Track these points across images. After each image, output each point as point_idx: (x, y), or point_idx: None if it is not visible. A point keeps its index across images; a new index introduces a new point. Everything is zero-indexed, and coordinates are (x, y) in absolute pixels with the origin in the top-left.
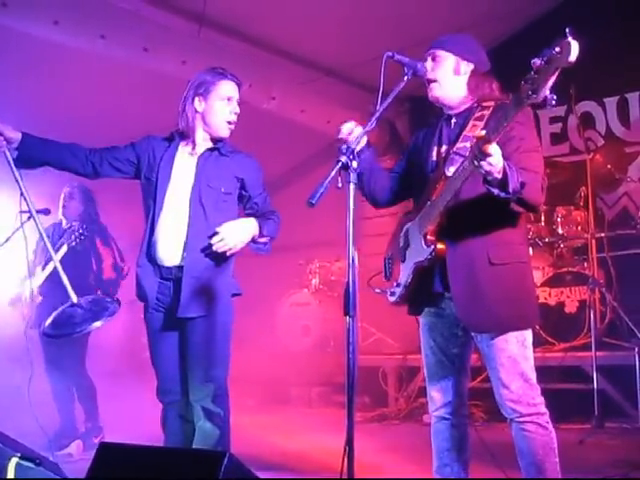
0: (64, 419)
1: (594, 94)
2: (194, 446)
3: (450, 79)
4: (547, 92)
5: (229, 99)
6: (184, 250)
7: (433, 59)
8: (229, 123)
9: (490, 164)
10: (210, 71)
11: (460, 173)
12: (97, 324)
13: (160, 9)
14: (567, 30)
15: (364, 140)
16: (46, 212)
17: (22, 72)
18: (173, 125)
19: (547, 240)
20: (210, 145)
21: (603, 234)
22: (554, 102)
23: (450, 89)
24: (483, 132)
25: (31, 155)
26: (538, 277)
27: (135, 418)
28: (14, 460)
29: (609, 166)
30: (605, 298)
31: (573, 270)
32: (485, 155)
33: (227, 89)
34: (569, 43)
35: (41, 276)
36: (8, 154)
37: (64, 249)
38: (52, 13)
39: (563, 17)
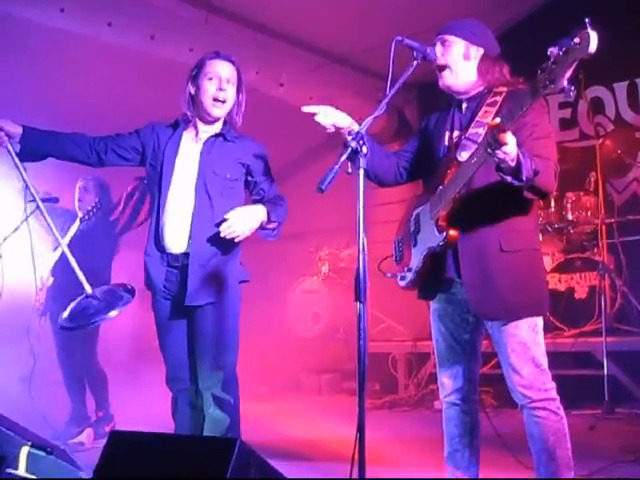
0: (76, 407)
1: (603, 79)
2: (204, 434)
3: (461, 64)
4: (565, 83)
5: (217, 77)
6: (189, 237)
7: (442, 44)
8: (216, 100)
9: (505, 152)
10: (205, 55)
11: (474, 161)
12: (112, 314)
13: None
14: (587, 21)
15: (349, 121)
16: (55, 200)
17: (28, 61)
18: (180, 113)
19: (557, 226)
20: (214, 131)
21: (613, 220)
22: (572, 93)
23: (461, 75)
24: (498, 120)
25: (34, 148)
26: (548, 263)
27: (145, 406)
28: (25, 449)
29: (619, 151)
30: (615, 284)
31: (583, 256)
32: (500, 144)
33: (213, 66)
34: (589, 34)
35: (53, 257)
36: (10, 148)
37: (76, 224)
38: (58, 1)
39: (572, 2)
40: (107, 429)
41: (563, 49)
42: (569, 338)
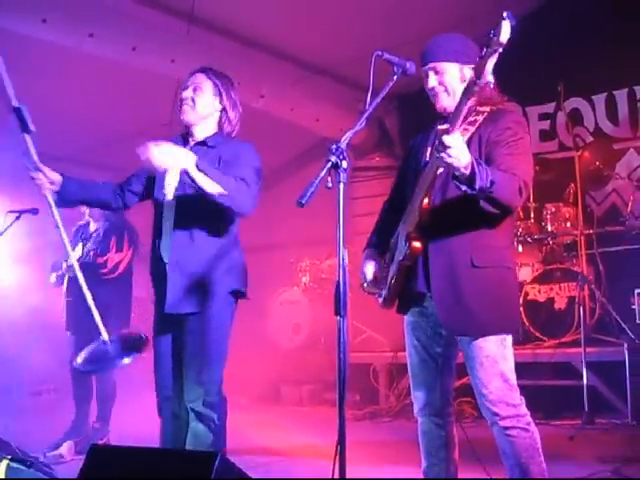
0: (79, 417)
1: (582, 91)
2: (186, 446)
3: (458, 87)
4: (488, 76)
5: (189, 85)
6: (170, 246)
7: (436, 73)
8: (183, 103)
9: (450, 156)
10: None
11: (428, 169)
12: (125, 361)
13: (149, 8)
14: (504, 14)
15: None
16: (34, 212)
17: (8, 71)
18: (161, 123)
19: (536, 237)
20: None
21: (592, 231)
22: (492, 84)
23: (457, 96)
24: (446, 125)
25: (70, 196)
26: (528, 274)
27: (133, 416)
28: (5, 462)
29: (598, 163)
30: (594, 294)
31: (562, 267)
32: (444, 147)
33: (189, 79)
34: (501, 24)
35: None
36: (49, 195)
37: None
38: (40, 11)
39: (552, 15)
40: (101, 442)
41: (486, 44)
42: (548, 349)
